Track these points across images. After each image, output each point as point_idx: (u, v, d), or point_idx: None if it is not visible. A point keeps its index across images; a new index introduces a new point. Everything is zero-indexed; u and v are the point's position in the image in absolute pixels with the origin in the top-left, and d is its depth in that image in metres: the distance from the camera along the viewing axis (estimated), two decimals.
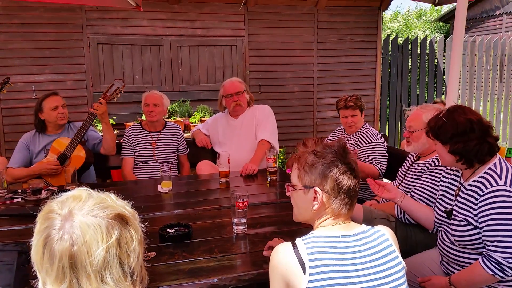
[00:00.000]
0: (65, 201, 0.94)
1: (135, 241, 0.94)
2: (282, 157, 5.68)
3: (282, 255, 1.22)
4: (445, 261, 1.89)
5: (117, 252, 0.90)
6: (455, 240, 1.80)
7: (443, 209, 1.91)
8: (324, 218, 1.33)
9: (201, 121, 5.01)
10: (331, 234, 1.26)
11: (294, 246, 1.22)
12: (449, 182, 1.96)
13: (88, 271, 0.88)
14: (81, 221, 0.90)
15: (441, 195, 1.97)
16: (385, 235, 1.29)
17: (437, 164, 2.24)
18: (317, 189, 1.31)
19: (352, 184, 1.30)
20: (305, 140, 1.40)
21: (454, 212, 1.83)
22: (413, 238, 2.29)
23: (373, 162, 2.97)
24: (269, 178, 2.90)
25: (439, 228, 1.96)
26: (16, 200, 2.52)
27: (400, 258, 1.28)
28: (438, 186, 2.18)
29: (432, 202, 2.19)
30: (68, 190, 2.54)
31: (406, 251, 2.15)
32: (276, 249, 1.25)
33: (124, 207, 0.98)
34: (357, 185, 1.32)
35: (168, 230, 1.92)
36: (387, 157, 3.03)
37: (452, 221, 1.82)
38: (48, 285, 0.91)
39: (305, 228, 1.39)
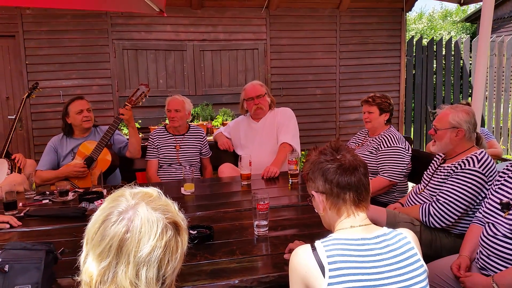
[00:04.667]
0: (137, 193, 1.01)
1: (179, 252, 0.99)
2: (304, 160, 5.66)
3: (301, 258, 1.22)
4: (484, 255, 1.85)
5: (161, 254, 0.94)
6: (511, 231, 1.75)
7: (498, 201, 1.87)
8: (339, 220, 1.33)
9: (223, 124, 5.04)
10: (351, 236, 1.26)
11: (313, 248, 1.22)
12: (508, 177, 1.92)
13: (130, 260, 0.92)
14: (144, 213, 0.95)
15: (498, 188, 1.93)
16: (407, 238, 1.28)
17: (463, 167, 2.19)
18: (314, 193, 1.37)
19: (350, 179, 1.31)
20: (307, 155, 1.46)
21: None
22: (438, 242, 2.25)
23: (383, 171, 2.93)
24: (290, 181, 2.90)
25: (486, 222, 1.91)
26: (44, 201, 2.60)
27: (422, 262, 1.26)
28: (464, 189, 2.14)
29: (458, 206, 2.15)
30: (95, 192, 2.60)
31: (431, 255, 2.12)
32: (295, 252, 1.25)
33: (183, 219, 1.04)
34: (361, 177, 1.32)
35: (191, 231, 1.94)
36: (407, 163, 2.97)
37: (511, 212, 1.78)
38: (89, 257, 0.96)
39: (326, 231, 1.39)
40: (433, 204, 2.22)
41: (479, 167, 2.14)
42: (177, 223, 1.00)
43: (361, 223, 1.31)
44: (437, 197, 2.23)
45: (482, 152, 2.22)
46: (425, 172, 2.56)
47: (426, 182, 2.45)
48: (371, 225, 1.32)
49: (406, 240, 1.27)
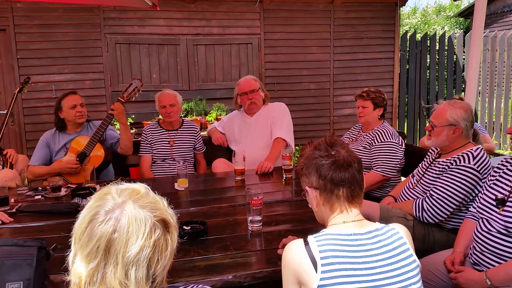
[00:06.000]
0: (124, 190, 0.99)
1: (168, 250, 0.97)
2: (298, 155, 5.67)
3: (293, 252, 1.23)
4: (478, 251, 1.86)
5: (150, 253, 0.93)
6: (505, 227, 1.76)
7: (493, 197, 1.87)
8: (333, 215, 1.34)
9: (217, 119, 5.03)
10: (343, 232, 1.26)
11: (306, 243, 1.22)
12: (503, 173, 1.93)
13: (118, 260, 0.91)
14: (131, 212, 0.93)
15: (493, 184, 1.94)
16: (399, 233, 1.28)
17: (458, 163, 2.19)
18: (308, 188, 1.36)
19: (344, 175, 1.31)
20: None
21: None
22: (431, 237, 2.27)
23: (376, 166, 2.93)
24: (284, 176, 2.90)
25: (481, 217, 1.92)
26: (36, 197, 2.57)
27: (415, 257, 1.26)
28: (458, 185, 2.14)
29: (451, 202, 2.16)
30: (87, 188, 2.58)
31: (423, 250, 2.13)
32: (288, 246, 1.25)
33: (172, 216, 1.01)
34: (355, 174, 1.32)
35: (184, 227, 1.93)
36: (400, 158, 2.98)
37: (506, 208, 1.79)
38: (78, 257, 0.95)
39: (320, 226, 1.39)
40: (427, 199, 2.23)
41: (474, 164, 2.14)
42: (165, 221, 0.98)
43: (353, 219, 1.31)
44: (431, 192, 2.23)
45: (478, 148, 2.22)
46: (419, 165, 2.56)
47: (420, 176, 2.46)
48: (364, 220, 1.32)
49: (399, 235, 1.27)
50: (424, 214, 2.22)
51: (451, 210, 2.18)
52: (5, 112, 3.61)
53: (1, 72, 5.12)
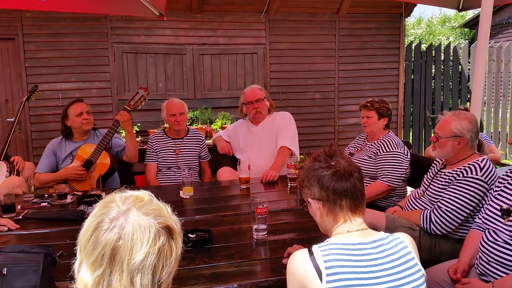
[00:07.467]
0: (128, 198, 0.99)
1: (173, 256, 0.98)
2: (302, 164, 5.66)
3: (298, 262, 1.22)
4: (484, 261, 1.85)
5: (155, 260, 0.93)
6: (511, 238, 1.75)
7: (498, 207, 1.87)
8: (336, 225, 1.34)
9: (222, 128, 5.05)
10: (347, 241, 1.26)
11: (311, 253, 1.22)
12: (508, 183, 1.92)
13: (123, 268, 0.91)
14: (135, 220, 0.94)
15: (498, 194, 1.93)
16: (404, 242, 1.28)
17: (465, 174, 2.18)
18: (311, 200, 1.36)
19: (346, 185, 1.31)
20: (301, 162, 1.45)
21: None
22: (437, 247, 2.25)
23: (381, 176, 2.92)
24: (289, 184, 2.90)
25: (486, 228, 1.91)
26: (42, 204, 2.59)
27: (420, 266, 1.26)
28: (467, 197, 2.13)
29: (460, 214, 2.14)
30: (93, 195, 2.59)
31: (430, 261, 2.12)
32: (293, 256, 1.25)
33: (176, 222, 1.01)
34: (356, 183, 1.33)
35: (189, 235, 1.94)
36: (406, 167, 2.97)
37: (511, 219, 1.78)
38: (83, 265, 0.95)
39: (325, 236, 1.40)
40: (435, 211, 2.21)
41: (482, 175, 2.13)
42: (170, 227, 0.98)
43: (357, 228, 1.31)
44: (439, 204, 2.21)
45: (484, 159, 2.20)
46: (425, 176, 2.55)
47: (426, 186, 2.45)
48: (368, 229, 1.32)
49: (403, 244, 1.27)
50: (432, 225, 2.20)
51: (459, 221, 2.17)
52: (12, 119, 3.65)
53: (9, 80, 5.18)
